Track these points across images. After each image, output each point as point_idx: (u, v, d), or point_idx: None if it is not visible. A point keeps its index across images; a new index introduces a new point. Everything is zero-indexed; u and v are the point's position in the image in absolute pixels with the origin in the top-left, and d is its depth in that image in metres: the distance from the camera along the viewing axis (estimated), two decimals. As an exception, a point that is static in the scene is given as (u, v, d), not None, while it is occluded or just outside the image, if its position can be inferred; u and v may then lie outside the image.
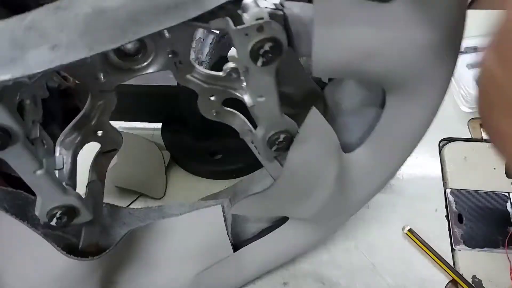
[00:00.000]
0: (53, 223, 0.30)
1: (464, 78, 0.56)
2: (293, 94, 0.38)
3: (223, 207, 0.39)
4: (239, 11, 0.25)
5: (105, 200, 0.51)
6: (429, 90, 0.29)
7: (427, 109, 0.31)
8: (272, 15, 0.25)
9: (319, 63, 0.26)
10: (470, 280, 0.42)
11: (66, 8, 0.23)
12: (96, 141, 0.34)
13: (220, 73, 0.32)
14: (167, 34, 0.28)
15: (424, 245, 0.44)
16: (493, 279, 0.42)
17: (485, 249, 0.44)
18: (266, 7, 0.26)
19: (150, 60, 0.30)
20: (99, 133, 0.34)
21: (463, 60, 0.57)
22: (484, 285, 0.42)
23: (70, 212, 0.31)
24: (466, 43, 0.58)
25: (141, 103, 0.52)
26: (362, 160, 0.33)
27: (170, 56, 0.29)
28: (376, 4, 0.24)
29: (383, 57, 0.26)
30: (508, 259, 0.43)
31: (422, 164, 0.51)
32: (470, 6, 0.79)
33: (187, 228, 0.39)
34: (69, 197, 0.30)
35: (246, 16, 0.24)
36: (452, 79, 0.60)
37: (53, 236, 0.34)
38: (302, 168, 0.33)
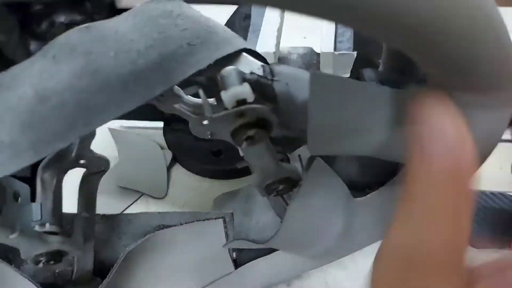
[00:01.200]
0: (40, 265, 0.29)
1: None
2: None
3: (225, 221, 0.37)
4: (219, 77, 0.21)
5: (107, 200, 0.51)
6: None
7: None
8: (260, 86, 0.21)
9: (315, 149, 0.22)
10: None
11: (8, 88, 0.18)
12: (80, 167, 0.32)
13: (212, 100, 0.28)
14: None
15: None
16: (499, 280, 0.42)
17: (491, 250, 0.44)
18: (252, 73, 0.21)
19: None
20: (82, 161, 0.31)
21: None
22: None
23: (56, 254, 0.29)
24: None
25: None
26: (372, 207, 0.29)
27: None
28: (391, 91, 0.19)
29: (392, 149, 0.21)
30: (514, 260, 0.43)
31: (427, 163, 0.50)
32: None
33: (187, 240, 0.37)
34: (51, 244, 0.28)
35: (224, 95, 0.20)
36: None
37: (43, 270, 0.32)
38: (304, 222, 0.30)
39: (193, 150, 0.52)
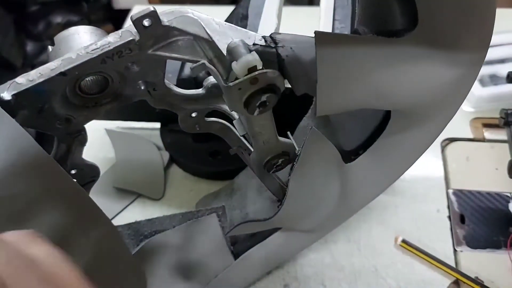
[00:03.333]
0: None
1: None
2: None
3: (218, 215, 0.37)
4: (227, 56, 0.22)
5: (103, 201, 0.51)
6: (440, 115, 0.28)
7: (435, 128, 0.30)
8: (264, 55, 0.22)
9: (324, 106, 0.23)
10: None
11: None
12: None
13: (200, 91, 0.29)
14: (136, 68, 0.24)
15: (420, 251, 0.44)
16: (496, 280, 0.42)
17: (487, 250, 0.44)
18: (255, 44, 0.23)
19: (118, 93, 0.27)
20: (73, 171, 0.30)
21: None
22: (486, 286, 0.42)
23: None
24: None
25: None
26: (363, 169, 0.32)
27: (142, 87, 0.26)
28: (386, 40, 0.21)
29: (394, 94, 0.24)
30: (511, 259, 0.43)
31: (424, 164, 0.50)
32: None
33: (183, 242, 0.37)
34: None
35: (236, 65, 0.21)
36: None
37: None
38: (306, 189, 0.32)
39: (191, 151, 0.52)
